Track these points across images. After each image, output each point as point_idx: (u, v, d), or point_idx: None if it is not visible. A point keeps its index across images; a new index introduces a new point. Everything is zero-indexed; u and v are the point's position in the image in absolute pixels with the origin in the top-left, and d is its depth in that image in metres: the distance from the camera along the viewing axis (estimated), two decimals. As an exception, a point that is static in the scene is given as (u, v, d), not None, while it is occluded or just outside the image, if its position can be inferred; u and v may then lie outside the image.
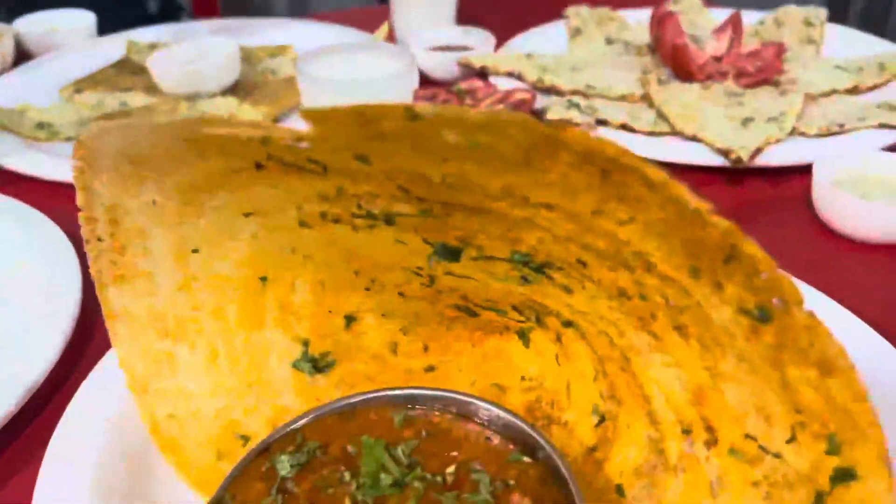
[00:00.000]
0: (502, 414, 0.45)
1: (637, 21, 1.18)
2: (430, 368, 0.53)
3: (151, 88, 0.98)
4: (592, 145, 0.26)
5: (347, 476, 0.42)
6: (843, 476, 0.30)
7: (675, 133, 0.87)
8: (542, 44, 1.12)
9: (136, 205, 0.43)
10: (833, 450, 0.30)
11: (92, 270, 0.47)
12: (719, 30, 1.04)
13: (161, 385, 0.49)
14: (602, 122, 0.89)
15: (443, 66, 1.03)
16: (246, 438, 0.49)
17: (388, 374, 0.52)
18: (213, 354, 0.51)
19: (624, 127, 0.88)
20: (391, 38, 1.14)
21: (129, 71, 1.05)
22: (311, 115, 0.30)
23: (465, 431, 0.45)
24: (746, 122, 0.87)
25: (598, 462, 0.44)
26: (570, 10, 1.20)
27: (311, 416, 0.46)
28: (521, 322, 0.49)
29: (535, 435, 0.43)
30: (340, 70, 0.74)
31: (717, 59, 1.00)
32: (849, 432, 0.28)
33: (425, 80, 1.02)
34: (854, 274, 0.68)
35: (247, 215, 0.44)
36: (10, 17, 1.16)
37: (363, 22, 1.21)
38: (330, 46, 0.81)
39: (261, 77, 1.03)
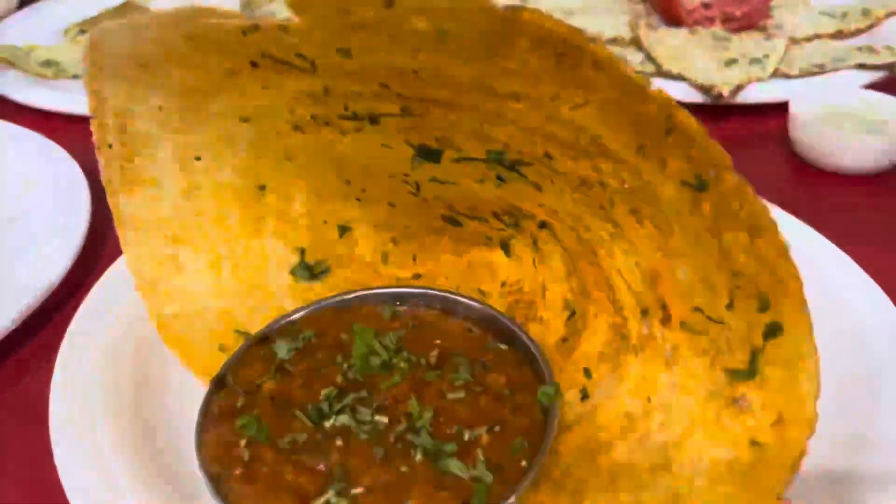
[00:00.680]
0: (482, 308, 0.49)
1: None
2: (418, 276, 0.57)
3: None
4: (546, 26, 0.30)
5: (340, 359, 0.46)
6: (773, 331, 0.34)
7: (661, 74, 0.90)
8: (537, -9, 1.14)
9: (144, 110, 0.47)
10: (763, 306, 0.33)
11: (103, 178, 0.50)
12: (710, -23, 1.06)
13: (167, 286, 0.53)
14: (591, 63, 0.92)
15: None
16: (246, 335, 0.53)
17: (379, 281, 0.56)
18: (216, 259, 0.54)
19: (612, 67, 0.91)
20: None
21: (132, 10, 1.08)
22: (295, 4, 0.33)
23: (448, 324, 0.49)
24: (730, 62, 0.90)
25: (569, 350, 0.48)
26: (565, -42, 1.21)
27: (307, 310, 0.50)
28: (502, 230, 0.53)
29: (511, 325, 0.47)
30: None
31: (707, 5, 1.03)
32: (775, 286, 0.32)
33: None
34: (826, 202, 0.71)
35: (244, 120, 0.47)
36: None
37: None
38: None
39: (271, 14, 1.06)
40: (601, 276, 0.45)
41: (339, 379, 0.44)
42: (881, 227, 0.68)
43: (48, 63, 0.94)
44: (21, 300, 0.55)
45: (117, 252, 0.55)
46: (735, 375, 0.36)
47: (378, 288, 0.51)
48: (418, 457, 0.39)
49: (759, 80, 0.86)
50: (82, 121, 0.82)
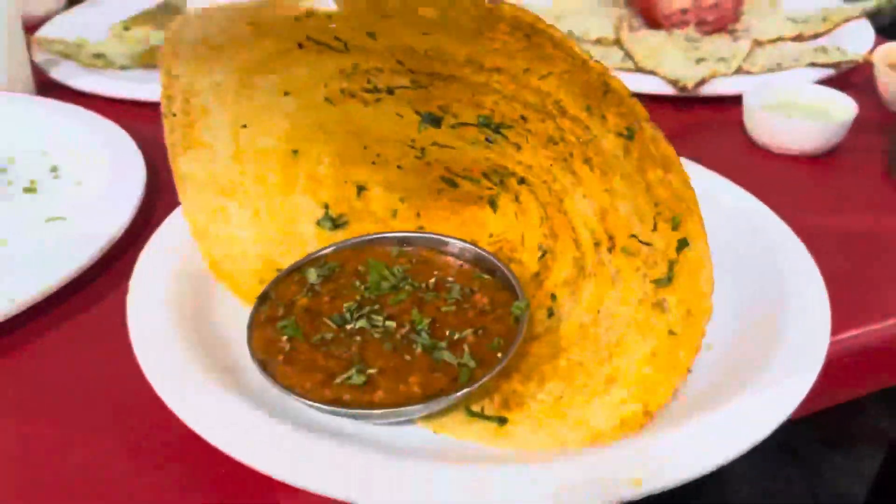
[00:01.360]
0: (472, 248, 0.61)
1: (618, -24, 1.32)
2: (421, 229, 0.69)
3: (189, 27, 1.13)
4: (518, 15, 0.42)
5: (358, 283, 0.58)
6: (682, 244, 0.45)
7: (638, 70, 1.02)
8: (532, -3, 1.27)
9: (205, 85, 0.59)
10: (675, 226, 0.45)
11: (167, 141, 0.62)
12: (688, -15, 1.18)
13: (216, 232, 0.65)
14: (576, 60, 1.04)
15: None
16: (281, 271, 0.65)
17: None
18: (256, 211, 0.66)
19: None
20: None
21: (169, 12, 1.21)
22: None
23: (444, 261, 0.61)
24: (699, 61, 1.02)
25: (540, 282, 0.60)
26: (558, -34, 1.33)
27: (331, 248, 0.62)
28: (490, 189, 0.65)
29: (495, 261, 0.59)
30: None
31: (684, 10, 1.15)
32: (682, 210, 0.44)
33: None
34: (773, 177, 0.83)
35: (286, 94, 0.59)
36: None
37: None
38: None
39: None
40: (566, 220, 0.57)
41: (357, 297, 0.56)
42: (819, 197, 0.80)
43: (97, 55, 1.06)
44: (93, 244, 0.67)
45: (166, 212, 0.68)
46: (658, 283, 0.48)
47: (387, 232, 0.63)
48: (418, 350, 0.51)
49: (723, 75, 0.98)
50: (130, 103, 0.95)
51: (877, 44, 1.05)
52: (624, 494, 0.43)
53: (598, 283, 0.54)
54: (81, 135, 0.85)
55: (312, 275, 0.59)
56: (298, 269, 0.60)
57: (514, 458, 0.47)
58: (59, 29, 1.14)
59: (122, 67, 1.05)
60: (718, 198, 0.68)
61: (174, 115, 0.61)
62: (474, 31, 0.44)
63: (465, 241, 0.62)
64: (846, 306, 0.61)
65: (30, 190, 0.78)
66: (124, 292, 0.61)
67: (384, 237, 0.63)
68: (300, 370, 0.50)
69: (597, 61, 0.43)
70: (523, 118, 0.51)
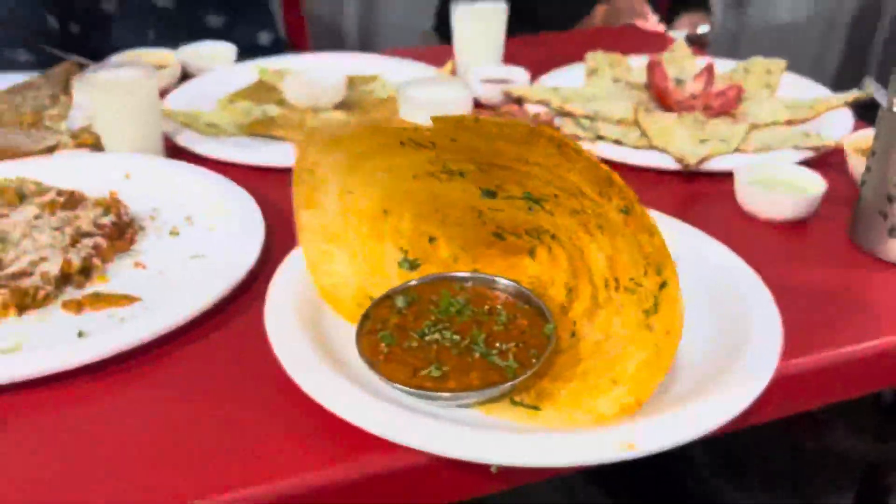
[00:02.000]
0: (514, 285, 0.82)
1: (639, 64, 1.55)
2: (476, 271, 0.90)
3: (282, 102, 1.39)
4: (553, 134, 0.64)
5: (433, 308, 0.79)
6: (663, 285, 0.67)
7: (651, 147, 1.24)
8: (565, 79, 1.50)
9: (327, 162, 0.82)
10: (658, 272, 0.66)
11: (294, 200, 0.85)
12: (698, 75, 1.41)
13: (324, 268, 0.87)
14: (601, 138, 1.26)
15: (491, 95, 1.41)
16: (372, 299, 0.86)
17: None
18: (354, 254, 0.89)
19: (616, 142, 1.25)
20: (454, 72, 1.53)
21: (264, 88, 1.46)
22: (435, 119, 0.68)
23: (494, 294, 0.82)
24: (703, 141, 1.23)
25: (566, 311, 0.81)
26: (589, 55, 1.57)
27: (413, 282, 0.84)
28: (530, 243, 0.86)
29: (530, 295, 0.81)
30: (426, 94, 1.13)
31: (694, 96, 1.37)
32: (662, 261, 0.65)
33: (478, 104, 1.40)
34: (763, 241, 1.04)
35: (384, 172, 0.82)
36: (175, 46, 1.58)
37: (429, 58, 1.61)
38: (416, 79, 1.19)
39: (359, 97, 1.43)
40: (585, 267, 0.79)
41: (432, 318, 0.78)
42: (793, 255, 1.01)
43: (210, 125, 1.32)
44: (230, 275, 0.90)
45: (280, 252, 0.91)
46: (647, 312, 0.69)
47: (453, 272, 0.85)
48: (476, 355, 0.73)
49: (722, 154, 1.20)
50: (243, 167, 1.18)
51: (855, 128, 1.27)
52: (622, 454, 0.64)
53: (608, 312, 0.75)
54: (206, 190, 1.09)
55: (400, 301, 0.81)
56: (389, 297, 0.82)
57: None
58: (177, 101, 1.40)
59: (231, 135, 1.30)
60: (704, 252, 0.89)
61: (303, 181, 0.84)
62: (523, 141, 0.67)
63: (510, 280, 0.83)
64: (806, 337, 0.82)
65: (174, 233, 1.01)
66: (253, 313, 0.84)
67: (449, 276, 0.85)
68: (395, 366, 0.72)
69: (603, 164, 0.65)
70: (555, 196, 0.73)
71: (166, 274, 0.93)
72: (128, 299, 0.87)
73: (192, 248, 0.98)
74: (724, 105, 1.34)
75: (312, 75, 1.39)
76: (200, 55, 1.57)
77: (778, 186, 1.09)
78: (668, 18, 2.22)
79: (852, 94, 1.33)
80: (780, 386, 0.76)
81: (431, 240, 0.90)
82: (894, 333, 0.87)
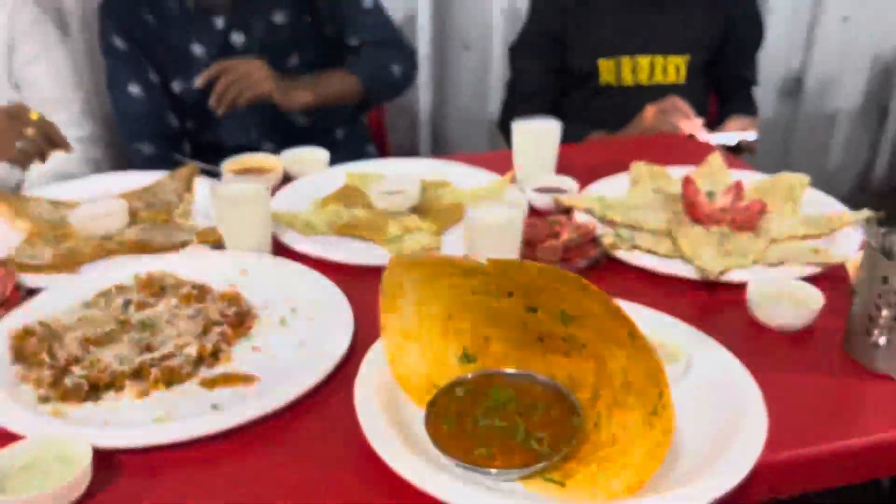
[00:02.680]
0: (552, 382, 1.03)
1: (679, 175, 1.76)
2: (521, 368, 1.12)
3: (367, 205, 1.65)
4: (598, 293, 0.86)
5: (486, 398, 1.01)
6: (661, 394, 0.87)
7: (681, 256, 1.44)
8: (611, 188, 1.72)
9: (408, 280, 1.06)
10: (656, 384, 0.87)
11: (381, 304, 1.09)
12: (728, 190, 1.61)
13: (400, 359, 1.11)
14: (636, 247, 1.47)
15: (543, 203, 1.64)
16: (437, 386, 1.08)
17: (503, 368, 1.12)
18: (423, 349, 1.11)
19: (649, 251, 1.46)
20: (513, 180, 1.77)
21: (352, 191, 1.73)
22: (490, 260, 0.91)
23: (535, 389, 1.04)
24: (726, 254, 1.43)
25: (592, 405, 1.01)
26: (633, 165, 1.79)
27: (470, 375, 1.06)
28: (565, 347, 1.08)
29: (565, 392, 1.02)
30: (487, 218, 1.35)
31: (724, 210, 1.57)
32: (660, 375, 0.86)
33: (532, 211, 1.64)
34: (769, 347, 1.22)
35: (450, 288, 1.05)
36: (277, 151, 1.87)
37: (495, 164, 1.85)
38: (480, 205, 1.43)
39: (431, 202, 1.68)
40: (607, 371, 0.99)
41: (485, 406, 1.00)
42: (793, 360, 1.19)
43: (308, 225, 1.58)
44: (328, 360, 1.14)
45: (365, 337, 1.14)
46: (651, 414, 0.90)
47: (504, 369, 1.07)
48: (518, 439, 0.94)
49: (741, 266, 1.39)
50: (333, 264, 1.43)
51: (863, 245, 1.44)
52: (625, 525, 0.84)
53: (623, 411, 0.96)
54: (307, 285, 1.34)
55: (461, 390, 1.03)
56: (451, 387, 1.04)
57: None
58: (281, 202, 1.68)
59: (323, 234, 1.56)
60: (710, 355, 1.10)
61: (389, 292, 1.08)
62: (556, 279, 0.89)
63: (548, 378, 1.05)
64: (795, 433, 1.01)
65: (283, 323, 1.26)
66: (345, 393, 1.07)
67: (500, 372, 1.07)
68: (455, 445, 0.94)
69: (630, 320, 0.86)
70: (583, 316, 0.95)
71: (278, 357, 1.18)
72: (250, 379, 1.12)
73: (297, 336, 1.22)
74: (748, 219, 1.53)
75: (392, 185, 1.65)
76: (300, 159, 1.86)
77: (783, 299, 1.28)
78: (719, 119, 2.36)
79: (865, 213, 1.51)
80: (769, 472, 0.95)
81: (486, 339, 1.12)
82: (878, 432, 1.04)
